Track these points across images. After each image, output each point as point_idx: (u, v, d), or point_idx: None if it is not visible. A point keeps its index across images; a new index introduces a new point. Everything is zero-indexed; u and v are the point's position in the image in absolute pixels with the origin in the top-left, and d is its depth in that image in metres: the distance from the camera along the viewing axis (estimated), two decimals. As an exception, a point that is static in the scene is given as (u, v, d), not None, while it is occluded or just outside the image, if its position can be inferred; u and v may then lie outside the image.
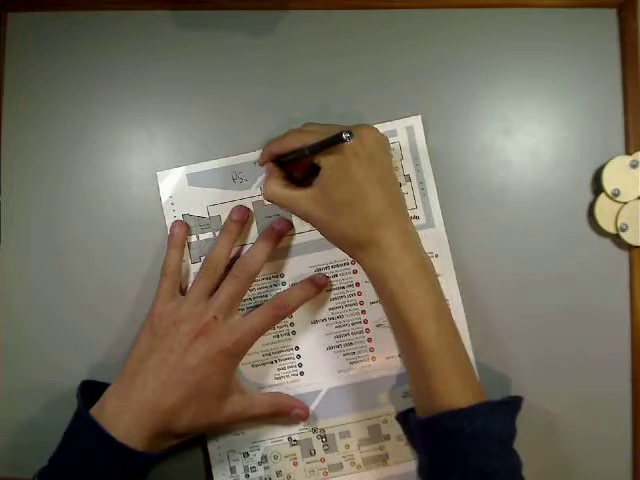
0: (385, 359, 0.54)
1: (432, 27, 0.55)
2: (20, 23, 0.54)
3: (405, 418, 0.51)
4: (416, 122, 0.54)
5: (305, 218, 0.49)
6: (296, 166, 0.51)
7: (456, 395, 0.45)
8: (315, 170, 0.48)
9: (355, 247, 0.48)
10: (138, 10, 0.54)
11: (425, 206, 0.53)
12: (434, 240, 0.53)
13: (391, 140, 0.53)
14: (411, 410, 0.50)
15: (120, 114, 0.54)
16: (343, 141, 0.43)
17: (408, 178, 0.54)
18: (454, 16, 0.55)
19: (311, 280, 0.53)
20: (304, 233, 0.54)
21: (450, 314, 0.48)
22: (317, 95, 0.54)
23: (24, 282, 0.54)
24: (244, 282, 0.51)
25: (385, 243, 0.46)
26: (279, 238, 0.53)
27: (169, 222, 0.54)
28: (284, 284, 0.54)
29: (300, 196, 0.48)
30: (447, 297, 0.53)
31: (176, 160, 0.54)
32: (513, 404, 0.46)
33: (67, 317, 0.54)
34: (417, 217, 0.53)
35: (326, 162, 0.46)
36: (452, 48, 0.55)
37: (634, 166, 0.53)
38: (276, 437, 0.54)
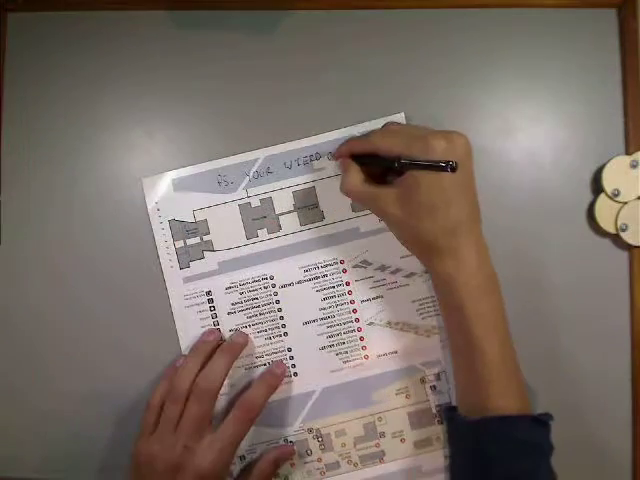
0: (377, 357, 0.54)
1: (432, 27, 0.54)
2: (20, 23, 0.54)
3: (451, 415, 0.51)
4: (400, 119, 0.53)
5: (382, 215, 0.49)
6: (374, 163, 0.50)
7: (509, 404, 0.46)
8: (391, 168, 0.47)
9: (429, 252, 0.47)
10: (138, 10, 0.54)
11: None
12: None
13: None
14: (453, 408, 0.51)
15: (121, 114, 0.54)
16: (444, 170, 0.43)
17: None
18: (454, 16, 0.54)
19: (270, 371, 0.53)
20: (295, 234, 0.54)
21: (508, 326, 0.48)
22: (312, 95, 0.54)
23: (21, 281, 0.54)
24: (207, 402, 0.49)
25: (462, 252, 0.46)
26: (238, 352, 0.52)
27: (155, 228, 0.53)
28: (274, 286, 0.54)
29: (381, 193, 0.47)
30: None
31: (162, 165, 0.54)
32: (549, 421, 0.47)
33: (64, 318, 0.54)
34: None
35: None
36: (452, 48, 0.54)
37: (634, 166, 0.53)
38: (272, 440, 0.54)
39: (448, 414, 0.51)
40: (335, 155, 0.52)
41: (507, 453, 0.45)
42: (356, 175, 0.49)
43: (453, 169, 0.43)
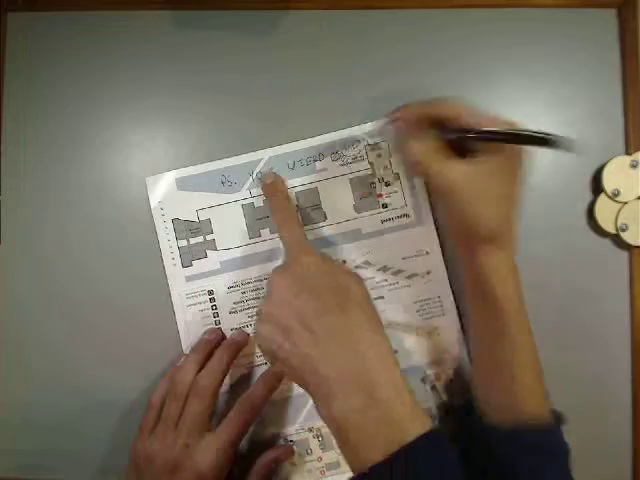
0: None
1: (432, 27, 0.55)
2: (20, 23, 0.54)
3: (474, 419, 0.49)
4: None
5: (443, 189, 0.45)
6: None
7: (537, 405, 0.46)
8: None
9: (481, 240, 0.45)
10: (137, 10, 0.54)
11: (415, 205, 0.53)
12: (424, 238, 0.53)
13: (380, 139, 0.53)
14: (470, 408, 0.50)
15: (122, 113, 0.54)
16: (548, 146, 0.41)
17: (397, 176, 0.53)
18: (453, 16, 0.54)
19: (271, 373, 0.52)
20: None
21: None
22: (315, 95, 0.54)
23: (22, 281, 0.54)
24: (207, 400, 0.49)
25: (511, 244, 0.46)
26: (238, 350, 0.52)
27: (158, 227, 0.53)
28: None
29: (454, 167, 0.44)
30: (439, 296, 0.54)
31: (165, 164, 0.54)
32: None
33: (65, 317, 0.54)
34: (407, 215, 0.53)
35: (496, 149, 0.44)
36: (451, 48, 0.54)
37: (634, 166, 0.53)
38: (272, 440, 0.54)
39: (470, 418, 0.50)
40: (392, 116, 0.48)
41: (539, 462, 0.45)
42: (427, 142, 0.45)
43: (562, 146, 0.40)
